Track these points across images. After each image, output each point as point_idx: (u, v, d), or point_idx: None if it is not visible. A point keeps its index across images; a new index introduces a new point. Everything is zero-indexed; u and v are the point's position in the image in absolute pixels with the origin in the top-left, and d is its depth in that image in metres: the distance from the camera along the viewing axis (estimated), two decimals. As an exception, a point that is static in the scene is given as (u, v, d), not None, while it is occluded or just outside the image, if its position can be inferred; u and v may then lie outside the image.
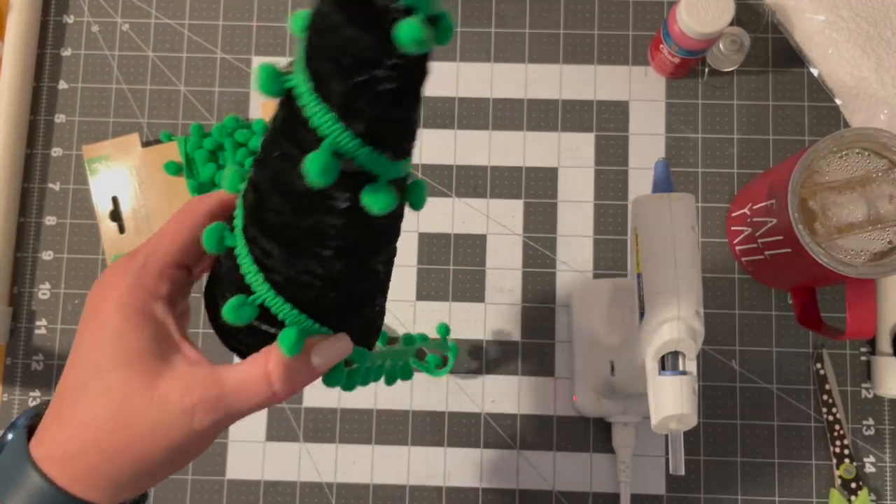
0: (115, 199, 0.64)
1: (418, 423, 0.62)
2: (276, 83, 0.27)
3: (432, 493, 0.61)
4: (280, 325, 0.31)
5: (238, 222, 0.31)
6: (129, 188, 0.64)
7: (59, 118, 0.66)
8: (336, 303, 0.31)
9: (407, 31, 0.23)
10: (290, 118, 0.27)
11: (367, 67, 0.25)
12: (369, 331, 0.35)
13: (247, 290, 0.30)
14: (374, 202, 0.27)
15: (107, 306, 0.31)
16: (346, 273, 0.30)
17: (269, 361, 0.30)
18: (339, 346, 0.32)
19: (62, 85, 0.66)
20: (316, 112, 0.26)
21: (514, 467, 0.61)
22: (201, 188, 0.63)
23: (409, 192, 0.32)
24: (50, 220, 0.65)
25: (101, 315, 0.31)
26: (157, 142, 0.65)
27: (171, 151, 0.64)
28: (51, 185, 0.65)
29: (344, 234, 0.29)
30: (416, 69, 0.26)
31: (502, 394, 0.62)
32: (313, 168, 0.25)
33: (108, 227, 0.64)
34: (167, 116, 0.66)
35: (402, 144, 0.28)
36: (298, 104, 0.26)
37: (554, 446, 0.61)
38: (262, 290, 0.30)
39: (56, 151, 0.66)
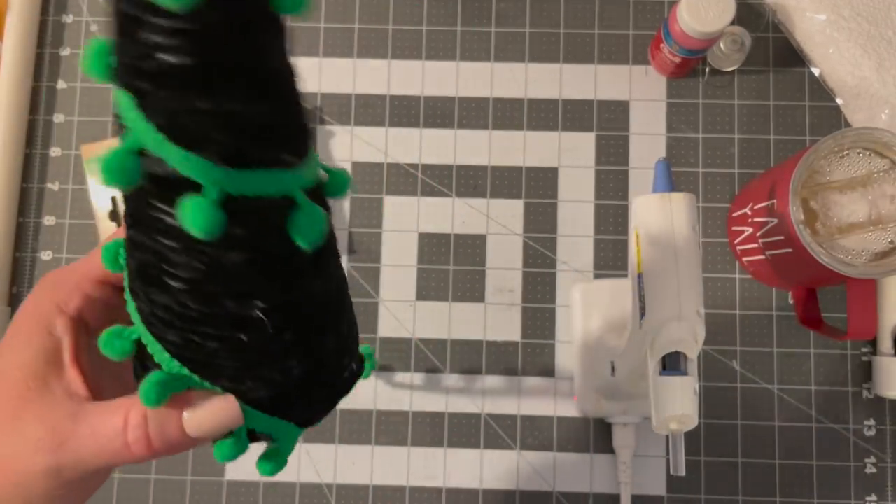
0: (114, 199, 0.64)
1: (418, 424, 0.61)
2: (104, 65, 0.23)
3: (432, 493, 0.60)
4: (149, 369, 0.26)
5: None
6: (128, 188, 0.64)
7: (58, 118, 0.66)
8: (221, 357, 0.25)
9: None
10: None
11: (132, 27, 0.20)
12: (286, 404, 0.27)
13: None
14: (192, 218, 0.21)
15: (20, 310, 0.29)
16: (206, 316, 0.24)
17: (130, 409, 0.26)
18: (219, 410, 0.25)
19: (61, 84, 0.66)
20: (117, 98, 0.22)
21: (514, 468, 0.61)
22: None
23: (297, 219, 0.23)
24: (49, 220, 0.65)
25: (15, 319, 0.29)
26: (157, 141, 0.65)
27: (171, 151, 0.63)
28: (49, 185, 0.65)
29: (183, 261, 0.23)
30: (218, 36, 0.20)
31: (502, 394, 0.62)
32: (106, 163, 0.21)
33: (106, 227, 0.64)
34: (166, 116, 0.66)
35: (234, 145, 0.21)
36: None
37: (554, 447, 0.61)
38: (137, 321, 0.26)
39: (55, 151, 0.66)
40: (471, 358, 0.62)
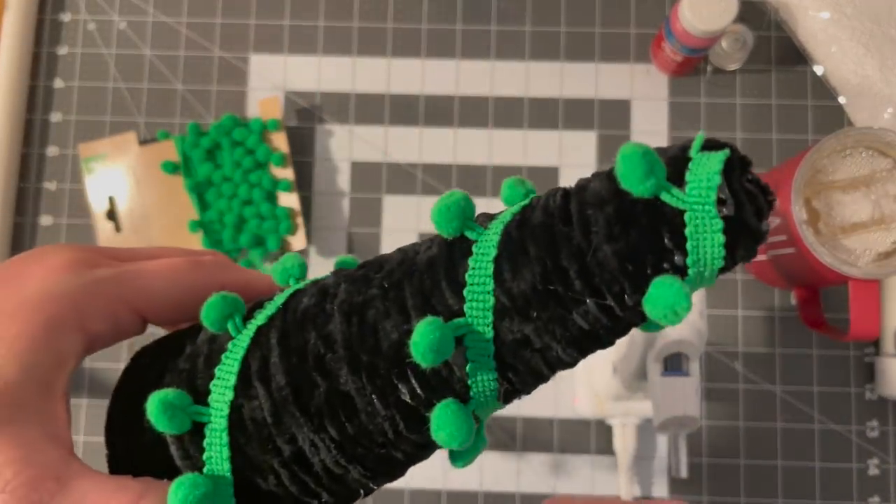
0: (111, 199, 0.63)
1: (418, 425, 0.61)
2: (461, 221, 0.20)
3: (432, 496, 0.60)
4: (191, 465, 0.21)
5: (260, 319, 0.22)
6: (126, 187, 0.63)
7: (56, 117, 0.66)
8: (276, 495, 0.22)
9: (668, 292, 0.17)
10: (435, 266, 0.21)
11: (582, 289, 0.19)
12: None
13: (198, 393, 0.22)
14: (446, 426, 0.19)
15: (27, 284, 0.22)
16: (325, 470, 0.21)
17: (142, 499, 0.20)
18: None
19: (58, 83, 0.66)
20: (478, 290, 0.19)
21: (514, 470, 0.60)
22: (198, 187, 0.63)
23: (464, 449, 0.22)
24: (46, 220, 0.64)
25: (16, 287, 0.22)
26: (154, 141, 0.64)
27: (168, 150, 0.63)
28: (47, 185, 0.65)
29: (373, 426, 0.21)
30: (619, 331, 0.20)
31: (502, 395, 0.61)
32: (426, 334, 0.19)
33: (104, 226, 0.63)
34: (164, 115, 0.65)
35: (521, 391, 0.21)
36: (465, 260, 0.20)
37: (555, 448, 0.60)
38: (219, 409, 0.21)
39: (52, 150, 0.65)
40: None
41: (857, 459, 0.59)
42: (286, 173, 0.63)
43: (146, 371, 0.23)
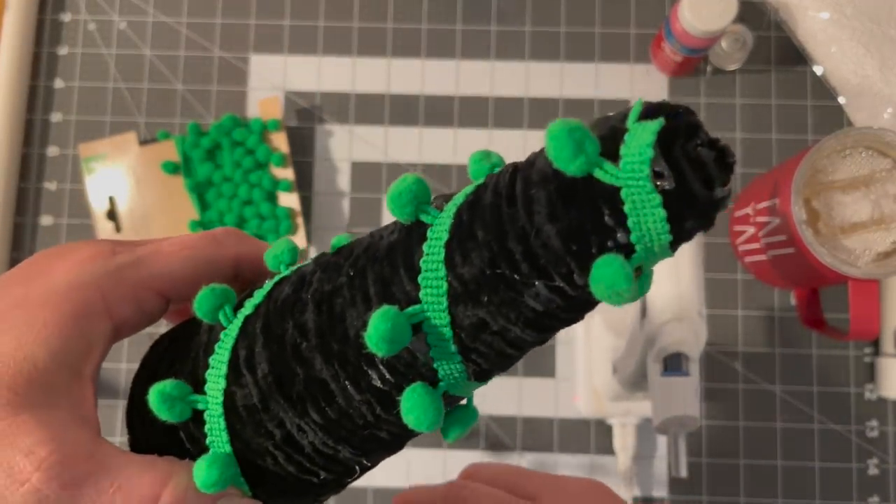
0: (111, 199, 0.63)
1: (418, 425, 0.61)
2: (414, 206, 0.21)
3: (432, 495, 0.60)
4: (198, 448, 0.23)
5: (248, 308, 0.23)
6: (126, 187, 0.63)
7: (56, 117, 0.66)
8: (277, 474, 0.23)
9: (608, 272, 0.17)
10: (394, 253, 0.21)
11: (529, 271, 0.18)
12: None
13: (198, 381, 0.23)
14: (414, 409, 0.20)
15: (54, 275, 0.22)
16: (315, 451, 0.22)
17: (171, 478, 0.21)
18: None
19: (58, 84, 0.66)
20: (431, 276, 0.19)
21: (514, 469, 0.60)
22: (198, 187, 0.63)
23: (453, 417, 0.23)
24: (46, 220, 0.64)
25: (43, 280, 0.22)
26: (155, 141, 0.64)
27: (169, 150, 0.63)
28: (47, 185, 0.65)
29: (352, 410, 0.21)
30: (578, 309, 0.20)
31: (503, 395, 0.61)
32: (378, 325, 0.19)
33: (104, 226, 0.63)
34: (164, 115, 0.65)
35: (493, 369, 0.21)
36: (420, 246, 0.20)
37: (555, 448, 0.60)
38: (214, 397, 0.22)
39: (52, 150, 0.65)
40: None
41: (856, 459, 0.59)
42: (286, 173, 0.63)
43: (160, 359, 0.24)
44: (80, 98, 0.66)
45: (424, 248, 0.20)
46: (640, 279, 0.19)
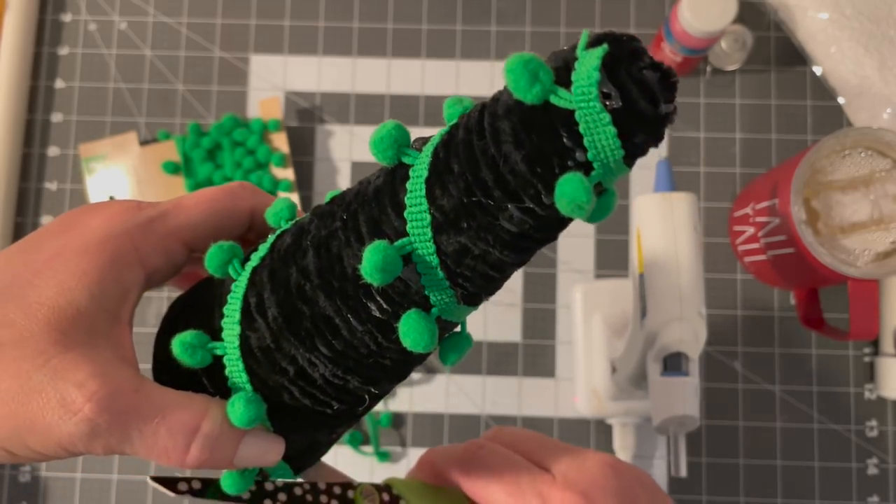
0: (112, 199, 0.63)
1: (418, 425, 0.61)
2: (395, 149, 0.22)
3: (432, 495, 0.60)
4: (223, 390, 0.25)
5: (255, 260, 0.25)
6: (127, 187, 0.63)
7: (56, 117, 0.66)
8: (294, 408, 0.25)
9: (569, 188, 0.19)
10: (381, 194, 0.23)
11: (501, 196, 0.20)
12: (307, 455, 0.28)
13: (215, 331, 0.25)
14: (410, 332, 0.22)
15: (89, 227, 0.24)
16: (327, 382, 0.24)
17: (207, 413, 0.23)
18: (269, 451, 0.24)
19: (59, 84, 0.66)
20: (415, 210, 0.21)
21: (514, 469, 0.60)
22: (199, 187, 0.63)
23: (449, 343, 0.26)
24: (47, 220, 0.64)
25: (78, 232, 0.24)
26: (155, 141, 0.64)
27: (169, 150, 0.63)
28: (47, 185, 0.65)
29: (356, 341, 0.23)
30: (549, 228, 0.21)
31: (503, 395, 0.61)
32: (371, 257, 0.21)
33: (105, 226, 0.63)
34: (165, 115, 0.65)
35: (479, 293, 0.23)
36: (403, 185, 0.22)
37: (554, 448, 0.60)
38: (231, 342, 0.24)
39: (53, 151, 0.65)
40: (471, 358, 0.62)
41: (856, 459, 0.59)
42: (287, 174, 0.63)
43: (177, 318, 0.26)
44: (81, 98, 0.66)
45: (408, 185, 0.22)
46: (605, 196, 0.21)
